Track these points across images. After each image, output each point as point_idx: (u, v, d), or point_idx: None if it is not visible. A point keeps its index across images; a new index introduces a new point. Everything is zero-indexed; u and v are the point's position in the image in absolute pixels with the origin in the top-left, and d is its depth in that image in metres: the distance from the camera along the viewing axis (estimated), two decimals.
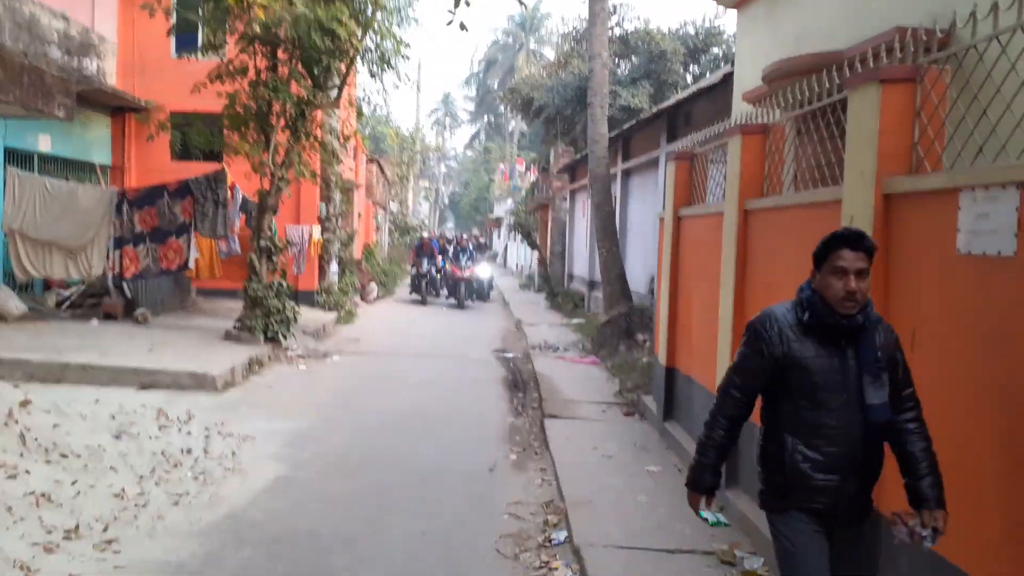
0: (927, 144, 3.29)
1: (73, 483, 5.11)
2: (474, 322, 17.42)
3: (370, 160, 26.77)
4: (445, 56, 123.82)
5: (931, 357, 3.05)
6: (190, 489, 5.44)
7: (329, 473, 6.09)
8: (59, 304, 12.02)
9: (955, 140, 3.20)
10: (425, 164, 53.96)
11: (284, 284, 11.36)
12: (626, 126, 15.05)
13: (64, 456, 5.49)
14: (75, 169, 13.53)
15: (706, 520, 5.07)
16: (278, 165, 11.11)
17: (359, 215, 22.58)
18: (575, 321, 16.42)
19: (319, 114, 12.22)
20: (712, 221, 6.07)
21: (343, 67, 11.47)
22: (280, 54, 10.84)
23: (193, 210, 11.92)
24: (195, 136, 12.18)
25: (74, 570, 4.09)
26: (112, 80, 13.78)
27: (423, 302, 20.53)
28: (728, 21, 22.06)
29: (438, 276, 21.11)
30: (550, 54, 41.53)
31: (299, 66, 10.80)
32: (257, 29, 10.23)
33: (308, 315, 13.64)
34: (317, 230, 15.87)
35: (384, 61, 11.90)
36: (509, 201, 39.65)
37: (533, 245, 24.55)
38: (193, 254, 12.11)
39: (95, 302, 12.12)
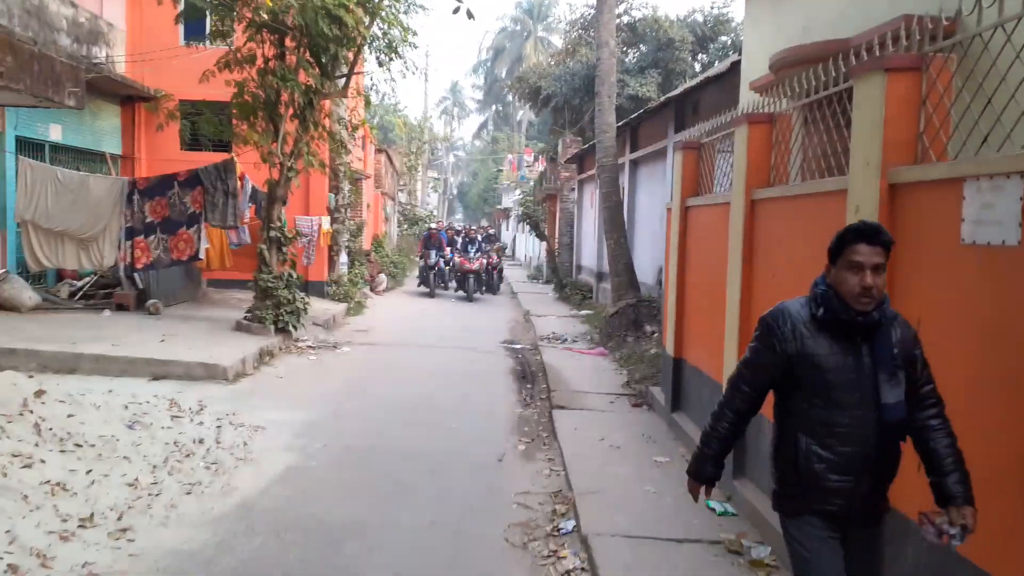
0: (932, 133, 3.28)
1: (88, 472, 5.19)
2: (482, 313, 17.46)
3: (379, 150, 26.80)
4: (453, 44, 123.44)
5: (936, 347, 3.05)
6: (203, 479, 5.51)
7: (339, 463, 6.16)
8: (72, 295, 12.13)
9: (960, 129, 3.19)
10: (433, 154, 53.98)
11: (294, 275, 11.42)
12: (634, 116, 15.01)
13: (78, 446, 5.57)
14: (86, 159, 13.62)
15: (713, 510, 5.11)
16: (287, 155, 11.15)
17: (368, 206, 22.61)
18: (583, 312, 16.45)
19: (327, 103, 12.24)
20: (719, 211, 6.07)
21: (351, 55, 11.49)
22: (288, 42, 10.85)
23: (203, 200, 11.97)
24: (204, 125, 12.20)
25: (89, 558, 4.16)
26: (121, 68, 13.79)
27: (431, 294, 20.23)
28: (736, 9, 21.90)
29: (446, 268, 20.76)
30: (558, 42, 41.36)
31: (307, 54, 10.82)
32: (264, 16, 10.24)
33: (318, 306, 13.71)
34: (327, 221, 15.93)
35: (391, 49, 11.90)
36: (517, 192, 39.62)
37: (541, 236, 24.52)
38: (204, 244, 12.16)
39: (107, 293, 12.22)
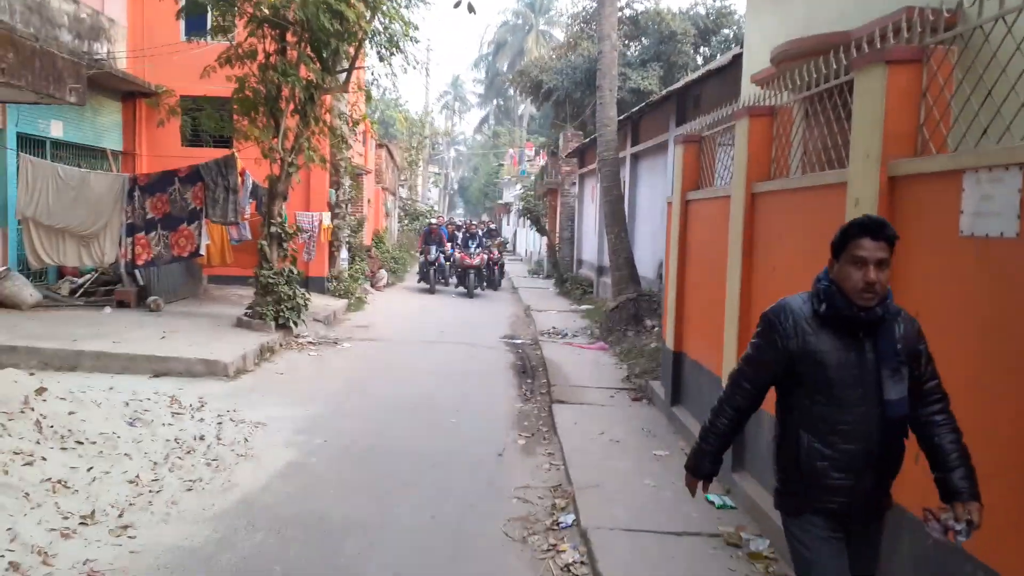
0: (932, 126, 3.27)
1: (89, 469, 5.19)
2: (483, 309, 17.45)
3: (379, 145, 26.77)
4: (454, 38, 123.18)
5: (934, 339, 3.03)
6: (203, 475, 5.52)
7: (340, 459, 6.16)
8: (72, 292, 12.14)
9: (960, 122, 3.18)
10: (434, 149, 53.94)
11: (295, 271, 11.41)
12: (635, 109, 14.97)
13: (79, 443, 5.57)
14: (87, 155, 13.61)
15: (712, 503, 5.11)
16: (288, 150, 11.13)
17: (368, 201, 22.60)
18: (584, 307, 16.43)
19: (328, 99, 12.22)
20: (720, 205, 6.06)
21: (352, 50, 11.46)
22: (289, 37, 10.83)
23: (204, 196, 11.96)
24: (205, 121, 12.18)
25: (90, 555, 4.16)
26: (122, 64, 13.76)
27: (431, 291, 19.93)
28: (739, 1, 21.83)
29: (447, 264, 20.37)
30: (560, 35, 41.32)
31: (308, 49, 10.79)
32: (266, 11, 10.21)
33: (318, 302, 13.71)
34: (327, 216, 15.92)
35: (393, 44, 11.87)
36: (518, 186, 39.58)
37: (542, 231, 24.48)
38: (204, 240, 12.16)
39: (108, 290, 12.23)
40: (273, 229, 11.15)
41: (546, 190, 27.10)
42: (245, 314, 11.04)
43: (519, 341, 12.60)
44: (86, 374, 8.13)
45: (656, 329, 10.95)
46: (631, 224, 15.21)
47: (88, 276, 12.46)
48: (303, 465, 5.96)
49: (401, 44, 11.92)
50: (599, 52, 13.65)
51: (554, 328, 13.35)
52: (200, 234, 12.05)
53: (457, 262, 19.96)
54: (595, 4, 17.98)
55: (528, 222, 27.25)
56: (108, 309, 11.58)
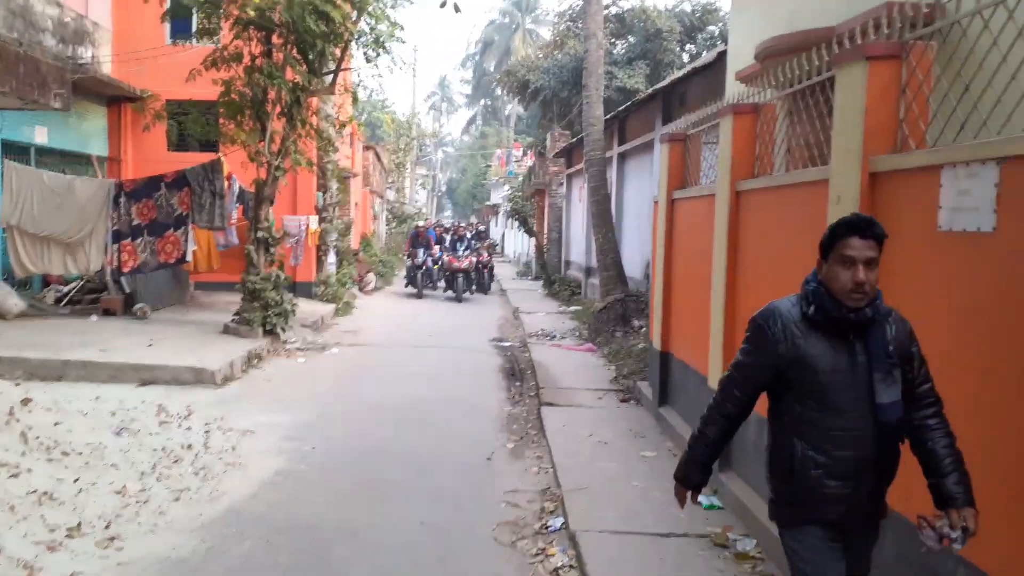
0: (912, 121, 3.28)
1: (75, 481, 5.14)
2: (472, 311, 17.43)
3: (366, 147, 26.73)
4: (441, 39, 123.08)
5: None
6: (191, 484, 5.48)
7: (329, 465, 6.13)
8: (58, 300, 12.06)
9: (939, 117, 3.19)
10: (422, 151, 53.88)
11: (282, 276, 11.36)
12: (622, 108, 14.98)
13: (65, 454, 5.52)
14: (72, 161, 13.52)
15: (699, 503, 5.11)
16: (274, 154, 11.08)
17: (356, 204, 22.54)
18: (572, 308, 16.44)
19: (314, 101, 12.18)
20: (705, 203, 6.06)
21: (338, 51, 11.43)
22: (275, 39, 10.79)
23: (190, 201, 11.89)
24: (191, 125, 12.11)
25: (77, 568, 4.12)
26: (107, 68, 13.67)
27: (419, 295, 19.53)
28: None
29: (435, 267, 20.00)
30: (546, 34, 41.32)
31: (294, 51, 10.75)
32: (251, 13, 10.16)
33: (306, 307, 13.66)
34: (314, 221, 15.85)
35: (379, 45, 11.82)
36: (506, 188, 39.58)
37: (530, 232, 24.47)
38: (191, 246, 12.09)
39: (94, 298, 12.15)
40: (260, 234, 11.09)
41: (534, 191, 27.12)
42: (232, 320, 10.99)
43: (507, 344, 12.58)
44: (72, 384, 8.07)
45: (644, 330, 10.96)
46: (619, 224, 15.23)
47: (74, 284, 12.38)
48: (292, 472, 5.92)
49: (387, 45, 11.86)
50: (585, 51, 13.65)
51: (542, 330, 13.35)
52: (187, 240, 11.98)
53: (445, 265, 19.53)
54: (581, 2, 17.99)
55: (516, 223, 27.24)
56: (94, 317, 11.50)
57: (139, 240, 11.96)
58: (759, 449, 4.32)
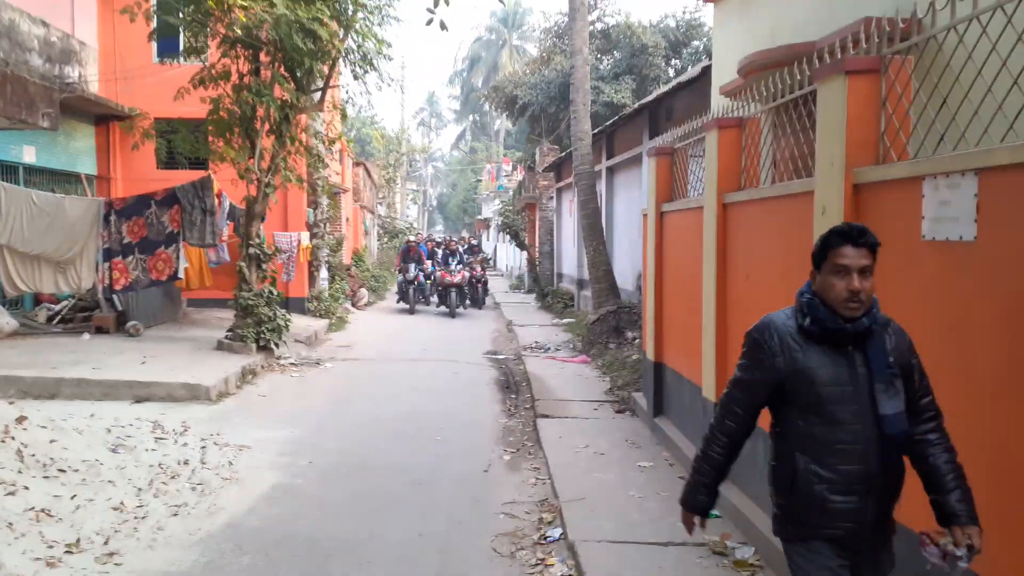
0: (893, 134, 3.38)
1: (72, 497, 5.16)
2: (465, 324, 17.47)
3: (356, 163, 26.79)
4: (429, 55, 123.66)
5: None
6: (188, 500, 5.50)
7: (325, 479, 6.16)
8: (50, 319, 12.03)
9: (919, 129, 3.29)
10: (412, 166, 54.00)
11: (274, 292, 11.38)
12: (609, 123, 15.14)
13: (62, 471, 5.53)
14: (61, 180, 13.51)
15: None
16: (264, 171, 11.13)
17: (347, 220, 22.56)
18: (565, 320, 16.51)
19: (303, 118, 12.26)
20: (693, 215, 6.16)
21: (326, 69, 11.51)
22: (262, 57, 10.86)
23: (181, 219, 11.90)
24: (180, 143, 12.14)
25: None
26: (95, 87, 13.69)
27: (411, 311, 19.14)
28: (708, 14, 22.15)
29: (427, 282, 19.73)
30: (533, 50, 41.65)
31: (282, 69, 10.82)
32: (238, 31, 10.24)
33: (299, 322, 13.68)
34: (306, 236, 15.89)
35: (366, 62, 11.92)
36: (497, 201, 39.70)
37: (522, 246, 24.54)
38: (183, 264, 12.10)
39: (86, 316, 12.13)
40: (252, 250, 11.12)
41: (524, 204, 27.25)
42: (226, 337, 11.00)
43: (502, 356, 12.63)
44: (67, 401, 8.07)
45: (637, 341, 11.04)
46: (609, 236, 15.34)
47: (65, 302, 12.36)
48: (289, 487, 5.95)
49: (375, 62, 11.98)
50: (572, 67, 13.82)
51: (536, 342, 13.41)
52: (178, 257, 11.98)
53: (438, 280, 19.26)
54: (567, 19, 18.18)
55: (508, 237, 27.33)
56: (87, 335, 11.49)
57: (130, 258, 11.96)
58: (755, 458, 4.40)
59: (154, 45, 13.49)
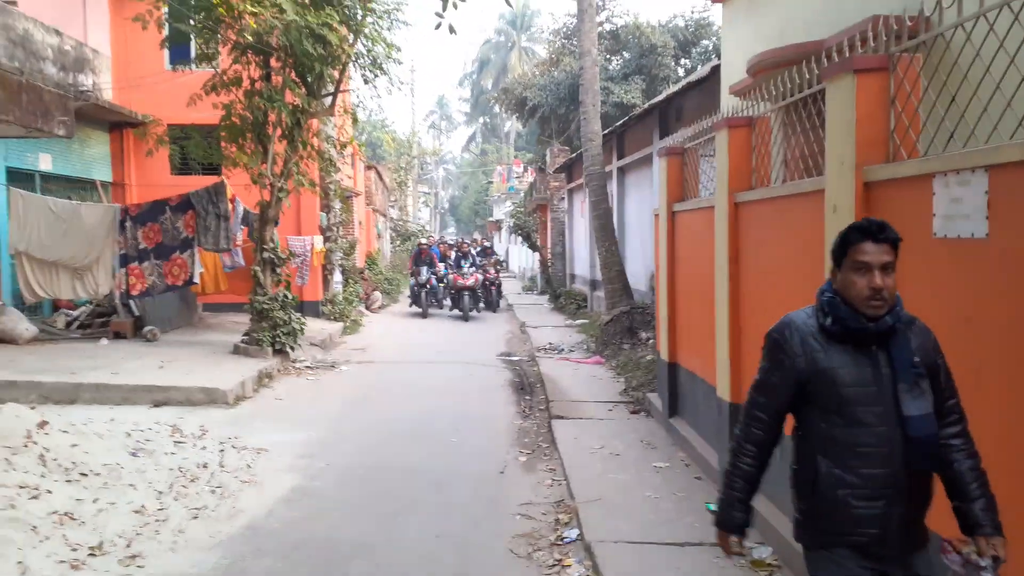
0: (902, 131, 3.39)
1: (94, 501, 5.24)
2: (479, 327, 17.51)
3: (368, 167, 26.90)
4: (438, 58, 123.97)
5: None
6: (208, 502, 5.57)
7: (343, 481, 6.22)
8: (68, 325, 12.18)
9: (928, 126, 3.30)
10: (423, 169, 54.18)
11: (289, 295, 11.47)
12: (619, 123, 15.15)
13: (84, 475, 5.62)
14: (77, 187, 13.69)
15: (714, 512, 5.17)
16: (277, 176, 11.22)
17: (360, 223, 22.67)
18: (578, 322, 16.52)
19: (315, 122, 12.35)
20: (705, 215, 6.17)
21: (336, 73, 11.59)
22: (273, 63, 10.96)
23: (196, 224, 12.02)
24: (193, 149, 12.27)
25: None
26: (108, 95, 13.85)
27: (423, 315, 18.91)
28: (717, 13, 22.10)
29: (440, 285, 19.44)
30: (542, 52, 41.67)
31: (292, 74, 10.91)
32: (249, 38, 10.33)
33: (314, 326, 13.77)
34: (319, 240, 15.99)
35: (376, 66, 12.00)
36: (508, 203, 39.78)
37: (534, 247, 24.55)
38: (198, 269, 12.22)
39: (104, 321, 12.27)
40: (266, 255, 11.22)
41: (535, 206, 27.29)
42: (242, 341, 11.10)
43: (516, 358, 12.66)
44: (86, 406, 8.18)
45: (651, 341, 11.04)
46: (621, 237, 15.34)
47: (83, 308, 12.51)
48: (307, 489, 6.01)
49: (384, 66, 12.05)
50: (581, 68, 13.84)
51: (550, 344, 13.43)
52: (193, 262, 12.10)
53: (450, 283, 19.02)
54: (575, 20, 18.21)
55: (520, 239, 27.36)
56: (105, 341, 11.62)
57: (146, 263, 12.10)
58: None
59: (166, 52, 13.62)
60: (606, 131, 14.70)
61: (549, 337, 14.32)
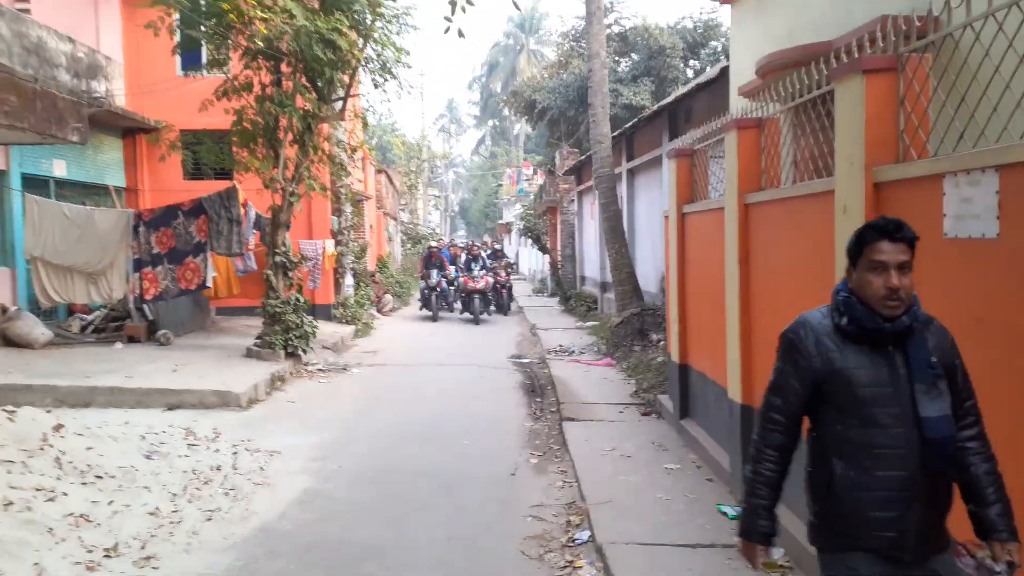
0: (912, 132, 3.39)
1: (109, 503, 5.29)
2: (490, 329, 17.53)
3: (378, 171, 27.01)
4: (448, 62, 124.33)
5: None
6: (222, 505, 5.61)
7: (355, 483, 6.25)
8: (83, 329, 12.28)
9: (938, 126, 3.30)
10: (433, 172, 54.31)
11: (301, 299, 11.54)
12: (628, 125, 15.14)
13: (99, 477, 5.68)
14: (91, 193, 13.83)
15: (725, 514, 5.18)
16: (288, 180, 11.30)
17: (370, 227, 22.76)
18: (589, 323, 16.52)
19: (325, 127, 12.42)
20: (715, 216, 6.17)
21: (346, 78, 11.66)
22: (284, 68, 11.03)
23: (208, 229, 12.11)
24: (205, 154, 12.37)
25: None
26: (121, 101, 13.98)
27: (434, 318, 18.80)
28: (725, 14, 22.07)
29: (450, 288, 19.35)
30: (551, 54, 41.73)
31: (303, 79, 10.99)
32: (259, 43, 10.41)
33: (326, 329, 13.83)
34: (331, 244, 16.07)
35: (386, 70, 12.07)
36: (518, 206, 39.81)
37: (544, 249, 24.56)
38: (211, 273, 12.30)
39: (118, 325, 12.37)
40: (278, 259, 11.29)
41: (545, 208, 27.31)
42: (254, 344, 11.16)
43: (526, 360, 12.68)
44: (101, 409, 8.25)
45: (662, 343, 11.03)
46: (631, 238, 15.33)
47: (97, 313, 12.61)
48: (319, 491, 6.05)
49: (394, 70, 12.13)
50: (589, 70, 13.83)
51: (561, 346, 13.44)
52: (206, 266, 12.19)
53: (461, 287, 18.96)
54: (584, 23, 18.22)
55: (530, 241, 27.37)
56: (119, 344, 11.71)
57: (160, 268, 12.20)
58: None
59: (178, 59, 13.75)
60: (615, 133, 14.69)
61: (559, 339, 14.32)
